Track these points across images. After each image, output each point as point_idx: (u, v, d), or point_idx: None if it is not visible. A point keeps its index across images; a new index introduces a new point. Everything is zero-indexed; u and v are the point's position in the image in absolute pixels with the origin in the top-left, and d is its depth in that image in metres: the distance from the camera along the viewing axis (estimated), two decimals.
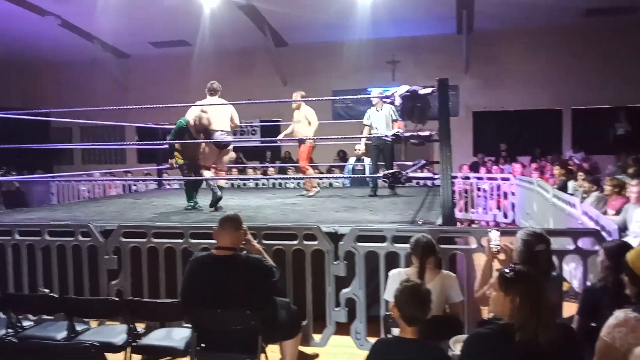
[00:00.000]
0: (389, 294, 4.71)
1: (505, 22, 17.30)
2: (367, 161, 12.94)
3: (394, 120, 10.19)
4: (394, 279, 4.56)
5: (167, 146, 9.75)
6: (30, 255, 6.57)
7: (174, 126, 9.10)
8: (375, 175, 10.26)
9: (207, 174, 8.91)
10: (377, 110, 10.43)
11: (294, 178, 14.21)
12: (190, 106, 9.04)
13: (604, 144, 17.65)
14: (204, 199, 9.16)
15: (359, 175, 12.91)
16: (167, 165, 9.88)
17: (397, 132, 7.43)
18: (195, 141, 8.87)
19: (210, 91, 9.19)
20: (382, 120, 10.32)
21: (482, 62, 18.37)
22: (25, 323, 5.23)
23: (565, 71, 17.71)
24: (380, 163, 10.60)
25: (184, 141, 8.88)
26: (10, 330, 5.01)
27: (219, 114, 8.90)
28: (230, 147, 9.32)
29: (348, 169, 13.62)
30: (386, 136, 7.47)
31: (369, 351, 3.57)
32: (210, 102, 9.01)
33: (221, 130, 8.90)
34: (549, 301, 3.11)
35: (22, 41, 18.67)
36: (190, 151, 8.97)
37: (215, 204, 8.78)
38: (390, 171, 7.36)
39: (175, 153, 9.10)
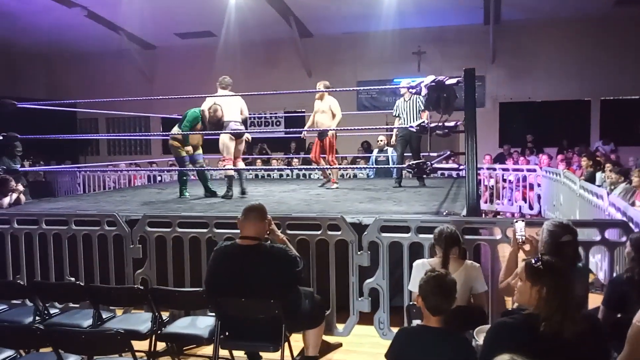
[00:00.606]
0: (413, 284, 4.70)
1: (532, 12, 17.14)
2: (390, 152, 12.94)
3: (422, 111, 10.13)
4: (418, 270, 4.54)
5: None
6: (56, 244, 6.63)
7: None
8: (400, 166, 10.22)
9: (241, 164, 9.34)
10: (405, 101, 10.39)
11: (318, 169, 14.19)
12: (207, 97, 9.32)
13: (633, 136, 17.42)
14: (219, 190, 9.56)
15: (382, 166, 12.90)
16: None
17: (422, 122, 7.39)
18: (215, 132, 9.11)
19: (222, 85, 9.37)
20: (410, 111, 10.30)
21: (509, 52, 18.21)
22: (52, 310, 5.30)
23: (593, 62, 17.47)
24: (407, 154, 10.56)
25: (202, 132, 9.18)
26: (37, 318, 5.08)
27: (231, 106, 9.12)
28: (244, 137, 9.44)
29: (372, 160, 13.61)
30: (411, 127, 7.43)
31: (392, 339, 3.57)
32: (223, 95, 9.22)
33: (234, 121, 9.10)
34: (575, 293, 3.07)
35: (49, 33, 18.82)
36: (194, 142, 9.26)
37: (225, 196, 9.16)
38: (415, 162, 7.30)
39: (175, 143, 9.20)
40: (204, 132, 9.24)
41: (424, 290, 3.50)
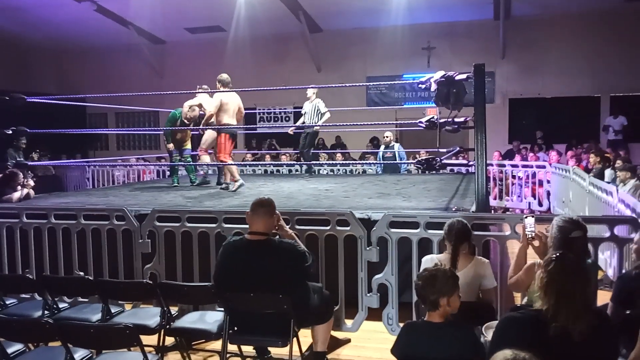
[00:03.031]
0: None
1: (542, 7, 17.08)
2: (397, 148, 13.01)
3: (322, 114, 11.50)
4: (427, 265, 4.53)
5: (199, 132, 10.58)
6: (65, 238, 6.66)
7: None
8: (407, 161, 10.34)
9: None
10: (310, 102, 11.51)
11: (327, 164, 14.23)
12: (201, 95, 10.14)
13: None
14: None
15: (390, 162, 12.98)
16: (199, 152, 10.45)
17: (432, 118, 7.37)
18: (212, 127, 9.67)
19: (221, 83, 9.62)
20: (311, 112, 11.58)
21: (519, 48, 18.12)
22: (61, 305, 5.32)
23: (604, 57, 17.36)
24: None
25: (208, 127, 9.67)
26: (46, 312, 5.09)
27: (230, 106, 9.47)
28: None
29: (379, 156, 13.64)
30: (420, 122, 7.41)
31: (398, 334, 3.57)
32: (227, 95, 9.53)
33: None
34: (585, 288, 3.05)
35: (58, 27, 18.87)
36: (179, 138, 10.35)
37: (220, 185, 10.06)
38: (424, 157, 7.29)
39: (164, 137, 10.54)
40: (202, 128, 9.85)
41: (416, 290, 3.59)
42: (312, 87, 11.57)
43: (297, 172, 13.98)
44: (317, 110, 11.41)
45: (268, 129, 19.31)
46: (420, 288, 3.51)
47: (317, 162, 14.73)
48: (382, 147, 13.69)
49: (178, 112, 10.33)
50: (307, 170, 12.64)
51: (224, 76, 9.62)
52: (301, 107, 11.93)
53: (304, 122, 11.75)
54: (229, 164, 9.50)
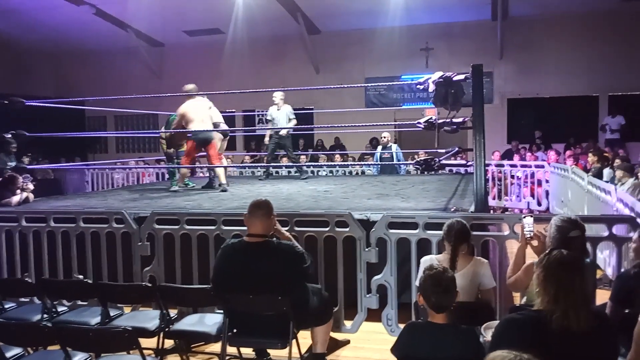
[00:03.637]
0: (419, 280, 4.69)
1: (540, 7, 17.10)
2: (395, 149, 13.04)
3: (291, 119, 11.60)
4: (426, 266, 4.53)
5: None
6: (65, 241, 6.65)
7: None
8: (404, 162, 10.35)
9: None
10: (278, 110, 11.60)
11: (326, 166, 14.23)
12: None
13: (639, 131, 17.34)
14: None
15: (384, 163, 13.04)
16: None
17: (430, 118, 7.36)
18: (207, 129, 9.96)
19: (190, 93, 10.00)
20: (281, 118, 11.58)
21: (517, 48, 18.15)
22: (60, 308, 5.31)
23: (601, 57, 17.38)
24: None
25: (202, 130, 9.73)
26: (45, 315, 5.08)
27: (198, 114, 9.79)
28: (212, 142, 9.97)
29: (376, 157, 13.65)
30: (418, 123, 7.40)
31: (399, 334, 3.57)
32: (193, 104, 9.90)
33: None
34: (584, 288, 3.05)
35: (57, 30, 18.89)
36: (177, 141, 10.62)
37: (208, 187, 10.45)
38: (423, 158, 7.28)
39: (162, 141, 10.85)
40: (194, 131, 9.78)
41: (423, 288, 3.53)
42: (279, 90, 11.63)
43: (296, 174, 14.00)
44: (288, 117, 11.55)
45: (267, 131, 19.28)
46: (427, 289, 3.50)
47: (317, 163, 14.78)
48: (380, 147, 13.69)
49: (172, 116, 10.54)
50: (299, 171, 12.73)
51: (189, 87, 10.00)
52: (300, 109, 11.99)
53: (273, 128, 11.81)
54: (183, 167, 10.19)
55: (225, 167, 10.75)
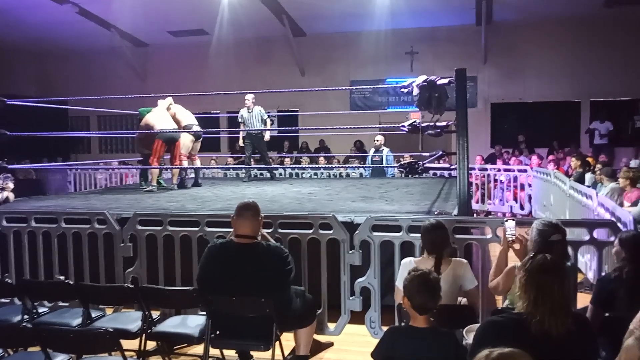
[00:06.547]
0: (400, 281, 4.69)
1: (524, 13, 17.18)
2: (386, 152, 13.07)
3: (265, 120, 12.00)
4: (405, 268, 4.53)
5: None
6: (46, 242, 6.59)
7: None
8: (392, 165, 10.38)
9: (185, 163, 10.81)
10: (249, 112, 11.89)
11: (310, 168, 14.23)
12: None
13: (623, 136, 17.51)
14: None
15: (376, 165, 13.05)
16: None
17: (414, 122, 7.38)
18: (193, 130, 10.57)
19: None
20: (253, 120, 11.87)
21: (501, 53, 18.25)
22: (41, 309, 5.26)
23: (584, 63, 17.55)
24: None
25: (189, 130, 10.32)
26: (26, 316, 5.04)
27: (160, 119, 10.32)
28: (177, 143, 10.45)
29: (368, 159, 13.71)
30: (402, 126, 7.42)
31: (380, 339, 3.57)
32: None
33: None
34: (564, 291, 3.07)
35: (40, 29, 18.71)
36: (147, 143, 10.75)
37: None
38: (407, 161, 7.31)
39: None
40: (179, 131, 10.30)
41: (408, 290, 3.50)
42: (250, 93, 11.90)
43: (280, 176, 13.98)
44: (261, 118, 11.81)
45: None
46: (412, 290, 3.48)
47: (302, 165, 14.76)
48: (372, 150, 13.75)
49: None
50: (272, 176, 13.05)
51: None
52: (285, 111, 12.04)
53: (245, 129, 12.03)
54: (153, 167, 10.35)
55: (198, 168, 11.51)
